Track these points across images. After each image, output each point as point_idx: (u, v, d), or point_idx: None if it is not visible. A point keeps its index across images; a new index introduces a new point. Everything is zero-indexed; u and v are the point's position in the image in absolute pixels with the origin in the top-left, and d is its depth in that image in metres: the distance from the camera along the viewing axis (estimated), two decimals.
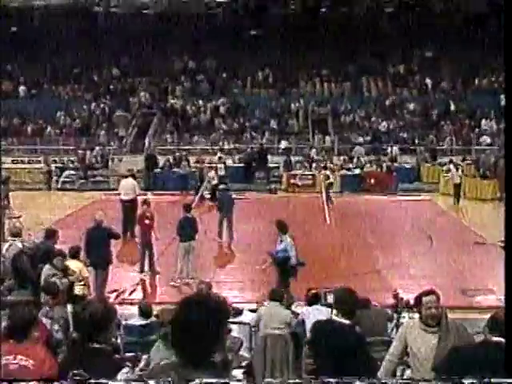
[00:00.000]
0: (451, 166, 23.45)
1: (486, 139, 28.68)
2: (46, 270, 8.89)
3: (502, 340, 3.54)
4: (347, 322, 5.26)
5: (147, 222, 13.44)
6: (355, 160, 26.85)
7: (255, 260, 14.31)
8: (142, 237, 13.71)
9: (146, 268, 13.37)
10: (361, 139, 29.27)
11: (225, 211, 16.45)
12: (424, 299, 5.16)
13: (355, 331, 5.46)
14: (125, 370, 3.74)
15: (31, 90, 33.34)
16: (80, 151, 28.11)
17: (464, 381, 2.13)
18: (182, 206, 13.63)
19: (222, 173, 23.55)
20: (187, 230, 12.88)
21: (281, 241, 10.86)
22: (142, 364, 4.45)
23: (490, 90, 31.90)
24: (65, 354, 4.66)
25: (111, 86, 33.77)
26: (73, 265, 9.77)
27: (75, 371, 3.52)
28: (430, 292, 5.26)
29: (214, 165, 24.04)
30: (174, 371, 2.71)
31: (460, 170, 23.33)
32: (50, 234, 10.36)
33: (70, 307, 7.82)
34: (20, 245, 9.98)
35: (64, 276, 8.78)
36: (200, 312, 2.77)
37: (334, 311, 5.47)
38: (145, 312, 8.46)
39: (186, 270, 12.78)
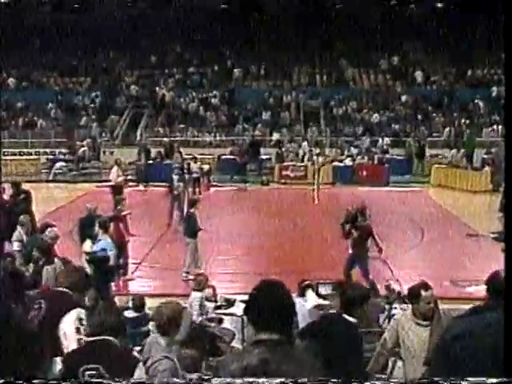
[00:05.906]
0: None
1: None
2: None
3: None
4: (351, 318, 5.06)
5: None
6: (357, 151, 26.82)
7: (247, 252, 14.36)
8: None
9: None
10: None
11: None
12: (423, 294, 5.10)
13: (351, 325, 5.36)
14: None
15: (22, 82, 33.12)
16: (71, 143, 27.97)
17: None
18: (187, 201, 13.45)
19: None
20: (192, 225, 12.60)
21: (99, 240, 10.35)
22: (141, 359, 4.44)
23: (482, 82, 31.97)
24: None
25: (102, 78, 33.61)
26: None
27: (88, 366, 3.48)
28: (428, 287, 5.20)
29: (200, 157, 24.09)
30: (266, 348, 2.77)
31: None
32: (44, 228, 10.21)
33: None
34: (15, 237, 10.08)
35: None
36: (281, 294, 2.91)
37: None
38: (138, 305, 8.46)
39: (194, 264, 12.49)
